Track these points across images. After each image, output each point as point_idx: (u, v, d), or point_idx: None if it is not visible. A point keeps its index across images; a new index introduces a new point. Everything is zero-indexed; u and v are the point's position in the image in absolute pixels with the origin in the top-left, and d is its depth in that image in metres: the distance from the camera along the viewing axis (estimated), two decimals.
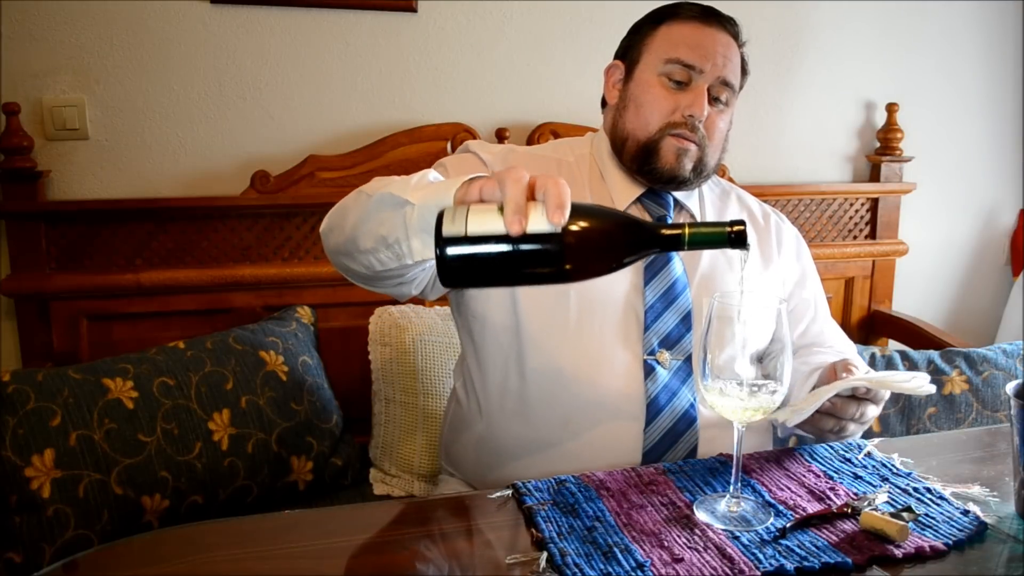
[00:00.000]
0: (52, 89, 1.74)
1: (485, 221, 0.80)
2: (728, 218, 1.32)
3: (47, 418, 1.34)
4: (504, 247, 0.80)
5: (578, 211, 0.81)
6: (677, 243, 0.84)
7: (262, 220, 1.81)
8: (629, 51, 1.30)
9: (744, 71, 1.30)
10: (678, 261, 1.24)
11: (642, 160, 1.24)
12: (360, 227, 1.01)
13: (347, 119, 1.90)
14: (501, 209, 0.80)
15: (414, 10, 1.89)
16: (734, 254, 1.27)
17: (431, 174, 0.96)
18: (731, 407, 0.89)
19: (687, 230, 0.84)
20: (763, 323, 0.89)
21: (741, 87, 1.30)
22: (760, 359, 0.91)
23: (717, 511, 0.91)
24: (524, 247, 0.80)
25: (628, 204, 1.26)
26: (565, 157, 1.32)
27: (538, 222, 0.79)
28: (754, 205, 1.40)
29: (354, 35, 1.87)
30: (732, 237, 0.83)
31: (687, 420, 1.18)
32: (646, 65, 1.25)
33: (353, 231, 1.03)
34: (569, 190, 0.80)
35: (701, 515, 0.90)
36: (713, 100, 1.23)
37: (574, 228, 0.80)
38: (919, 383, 1.00)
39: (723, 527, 0.88)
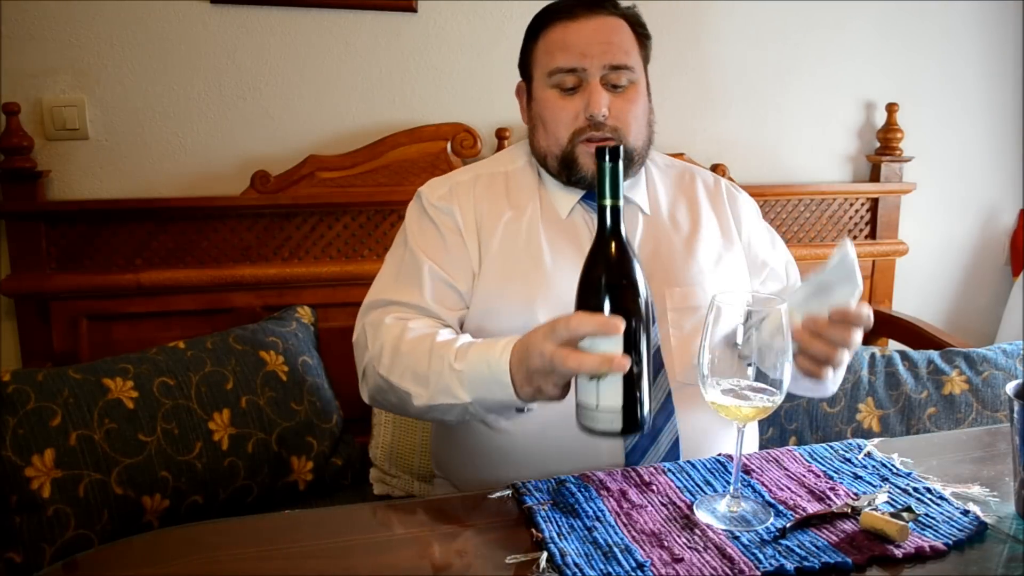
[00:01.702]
0: (52, 89, 1.74)
1: (609, 391, 0.90)
2: (681, 205, 1.33)
3: (47, 418, 1.34)
4: (633, 368, 0.89)
5: (593, 300, 0.91)
6: (605, 218, 0.92)
7: (262, 220, 1.81)
8: (524, 71, 1.30)
9: (642, 36, 1.25)
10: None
11: (567, 173, 1.24)
12: (419, 414, 1.14)
13: (347, 119, 1.90)
14: (591, 377, 0.91)
15: (414, 10, 1.89)
16: (687, 243, 1.29)
17: (448, 365, 1.06)
18: (732, 407, 0.89)
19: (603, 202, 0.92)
20: (764, 323, 0.89)
21: (647, 57, 1.27)
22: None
23: (717, 511, 0.91)
24: (629, 349, 0.89)
25: (571, 209, 1.26)
26: (507, 167, 1.32)
27: (609, 345, 0.88)
28: (708, 181, 1.38)
29: (354, 35, 1.87)
30: (604, 155, 0.91)
31: (666, 412, 1.18)
32: (537, 82, 1.25)
33: (408, 413, 1.15)
34: (580, 318, 0.90)
35: (701, 515, 0.90)
36: (612, 88, 1.21)
37: (611, 299, 0.90)
38: (840, 252, 1.01)
39: (723, 527, 0.88)
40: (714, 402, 0.89)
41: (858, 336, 1.04)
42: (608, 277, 0.90)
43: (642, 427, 0.92)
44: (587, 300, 0.91)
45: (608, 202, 0.91)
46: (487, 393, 1.03)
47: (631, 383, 0.89)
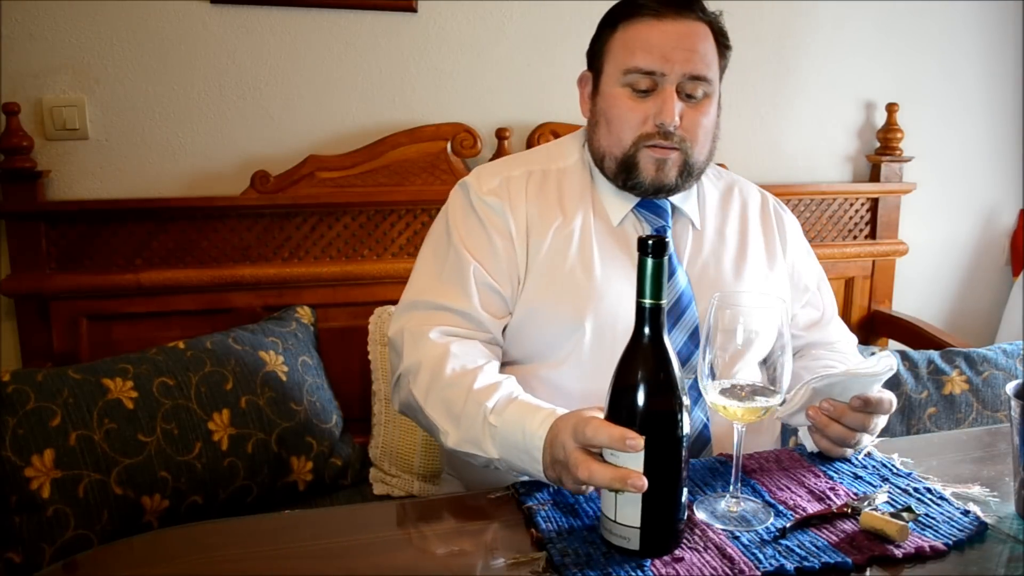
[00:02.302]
0: (52, 89, 1.74)
1: (628, 507, 0.82)
2: (730, 221, 1.29)
3: (47, 418, 1.34)
4: (660, 486, 0.82)
5: (623, 409, 0.83)
6: (644, 319, 0.83)
7: (262, 220, 1.81)
8: (594, 60, 1.23)
9: (724, 47, 1.20)
10: (682, 273, 1.20)
11: (624, 176, 1.19)
12: (445, 446, 1.09)
13: (347, 119, 1.90)
14: (612, 489, 0.83)
15: (414, 10, 1.89)
16: (736, 262, 1.25)
17: (483, 416, 1.02)
18: (731, 408, 0.89)
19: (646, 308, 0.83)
20: (764, 324, 0.89)
21: (724, 67, 1.22)
22: (763, 360, 0.92)
23: (717, 511, 0.91)
24: (655, 467, 0.81)
25: (623, 217, 1.22)
26: (556, 164, 1.27)
27: (631, 460, 0.81)
28: (756, 198, 1.35)
29: (354, 35, 1.87)
30: (647, 248, 0.81)
31: (701, 441, 1.16)
32: (608, 77, 1.19)
33: (436, 438, 1.12)
34: (597, 427, 0.83)
35: (701, 515, 0.90)
36: (686, 97, 1.16)
37: (643, 412, 0.82)
38: (884, 364, 0.98)
39: (723, 527, 0.88)
40: (713, 403, 0.89)
41: (880, 420, 1.03)
42: (643, 388, 0.82)
43: (666, 550, 0.83)
44: (616, 407, 0.83)
45: (648, 302, 0.82)
46: (515, 459, 0.98)
47: (657, 501, 0.81)
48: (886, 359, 0.99)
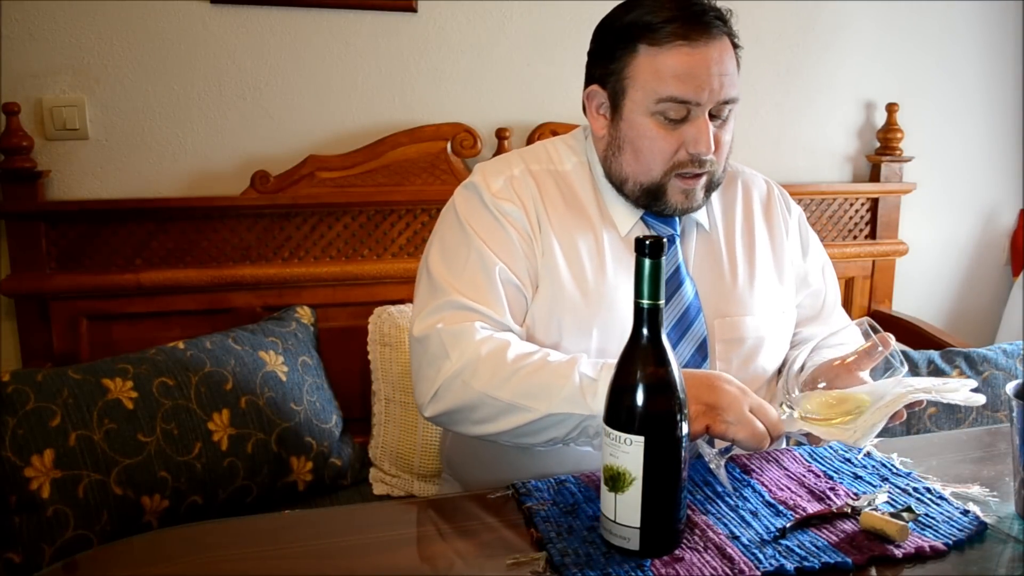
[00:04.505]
0: (52, 89, 1.74)
1: (627, 509, 0.83)
2: (736, 220, 1.27)
3: (47, 418, 1.34)
4: (662, 483, 0.84)
5: (624, 413, 0.82)
6: (643, 319, 0.83)
7: (262, 220, 1.81)
8: (608, 78, 1.16)
9: (736, 48, 1.17)
10: (689, 284, 1.18)
11: (648, 201, 1.17)
12: (517, 433, 1.06)
13: (347, 119, 1.90)
14: (609, 488, 0.84)
15: (414, 10, 1.89)
16: (745, 267, 1.24)
17: (579, 374, 1.02)
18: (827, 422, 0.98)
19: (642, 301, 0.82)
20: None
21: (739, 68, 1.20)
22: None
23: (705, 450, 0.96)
24: (655, 467, 0.82)
25: (631, 226, 1.19)
26: (560, 166, 1.23)
27: (630, 460, 0.82)
28: (761, 188, 1.32)
29: (354, 35, 1.87)
30: (645, 249, 0.80)
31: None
32: (634, 104, 1.13)
33: (485, 431, 1.08)
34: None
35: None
36: (712, 118, 1.13)
37: (643, 417, 0.81)
38: (966, 394, 0.98)
39: (723, 530, 0.88)
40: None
41: None
42: (642, 388, 0.81)
43: (666, 550, 0.83)
44: (616, 407, 0.82)
45: (647, 303, 0.82)
46: None
47: (657, 501, 0.81)
48: (973, 395, 0.99)
